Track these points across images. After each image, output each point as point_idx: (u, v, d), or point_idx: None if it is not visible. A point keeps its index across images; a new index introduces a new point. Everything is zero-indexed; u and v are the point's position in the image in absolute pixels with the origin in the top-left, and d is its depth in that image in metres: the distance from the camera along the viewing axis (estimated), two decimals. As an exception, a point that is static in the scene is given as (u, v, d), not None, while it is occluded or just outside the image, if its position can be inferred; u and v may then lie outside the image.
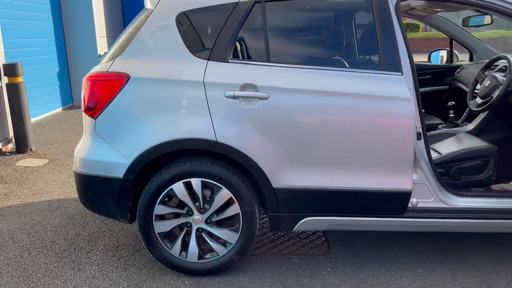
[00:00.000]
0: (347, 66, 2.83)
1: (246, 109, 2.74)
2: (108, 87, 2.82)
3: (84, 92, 2.90)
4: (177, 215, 2.93)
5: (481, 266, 3.10)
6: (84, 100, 2.89)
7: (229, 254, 2.94)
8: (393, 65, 2.74)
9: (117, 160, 2.84)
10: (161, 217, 2.92)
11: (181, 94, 2.79)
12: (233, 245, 2.93)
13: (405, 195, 2.81)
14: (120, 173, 2.83)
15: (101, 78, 2.84)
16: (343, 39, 3.12)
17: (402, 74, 2.74)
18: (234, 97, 2.73)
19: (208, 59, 2.79)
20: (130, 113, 2.82)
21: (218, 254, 2.96)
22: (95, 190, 2.95)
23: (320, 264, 3.15)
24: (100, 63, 3.01)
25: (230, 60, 2.78)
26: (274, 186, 2.80)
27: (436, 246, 3.37)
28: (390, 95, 2.72)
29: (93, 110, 2.86)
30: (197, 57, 2.80)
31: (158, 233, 2.92)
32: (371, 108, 2.72)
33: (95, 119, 2.86)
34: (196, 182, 2.82)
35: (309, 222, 2.88)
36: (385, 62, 2.74)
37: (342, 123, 2.73)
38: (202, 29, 2.82)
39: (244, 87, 2.74)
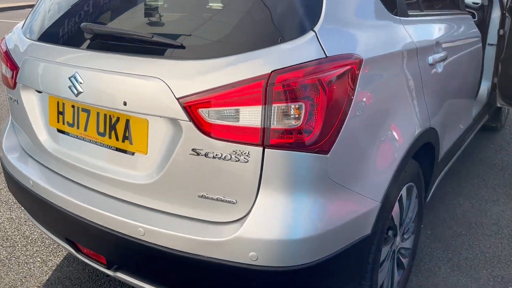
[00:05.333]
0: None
1: (438, 77, 2.12)
2: (341, 88, 1.45)
3: (282, 107, 1.36)
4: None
5: None
6: (290, 126, 1.37)
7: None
8: None
9: (364, 207, 1.60)
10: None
11: (402, 72, 1.80)
12: (410, 250, 2.36)
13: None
14: (369, 226, 1.64)
15: (319, 73, 1.40)
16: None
17: None
18: (432, 63, 2.04)
19: (399, 15, 1.90)
20: (371, 123, 1.60)
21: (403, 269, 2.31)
22: (338, 275, 1.59)
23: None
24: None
25: (409, 14, 2.00)
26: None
27: None
28: None
29: (319, 140, 1.41)
30: (393, 15, 1.85)
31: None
32: None
33: (328, 154, 1.44)
34: (403, 191, 2.02)
35: None
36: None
37: None
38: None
39: (434, 47, 2.08)
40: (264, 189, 1.45)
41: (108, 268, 1.84)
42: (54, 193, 1.86)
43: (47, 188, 1.90)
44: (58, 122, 1.92)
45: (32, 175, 2.00)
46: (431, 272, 2.52)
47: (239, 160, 1.44)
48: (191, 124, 1.48)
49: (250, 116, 1.40)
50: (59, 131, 1.94)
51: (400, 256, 2.22)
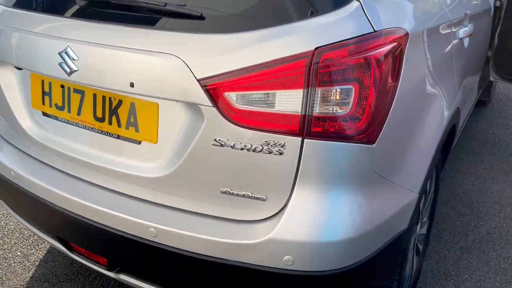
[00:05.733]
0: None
1: (464, 52, 1.96)
2: (390, 67, 1.25)
3: (338, 92, 1.16)
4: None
5: None
6: (337, 114, 1.17)
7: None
8: None
9: (404, 200, 1.45)
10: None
11: (439, 48, 1.63)
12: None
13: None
14: (406, 220, 1.49)
15: (368, 49, 1.20)
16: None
17: None
18: (462, 37, 1.88)
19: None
20: (414, 106, 1.42)
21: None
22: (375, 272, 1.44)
23: None
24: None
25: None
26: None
27: None
28: None
29: (367, 129, 1.23)
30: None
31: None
32: None
33: (374, 144, 1.26)
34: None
35: None
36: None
37: None
38: None
39: (464, 20, 1.91)
40: (301, 185, 1.26)
41: (110, 270, 1.63)
42: (43, 187, 1.62)
43: (33, 181, 1.65)
44: (43, 104, 1.65)
45: (14, 165, 1.73)
46: (440, 256, 2.43)
47: (271, 152, 1.24)
48: (214, 110, 1.26)
49: (288, 101, 1.20)
50: (45, 114, 1.67)
51: (417, 243, 2.11)
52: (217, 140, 1.28)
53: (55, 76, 1.50)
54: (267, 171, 1.28)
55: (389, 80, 1.25)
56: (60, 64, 1.46)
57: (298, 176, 1.26)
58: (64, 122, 1.61)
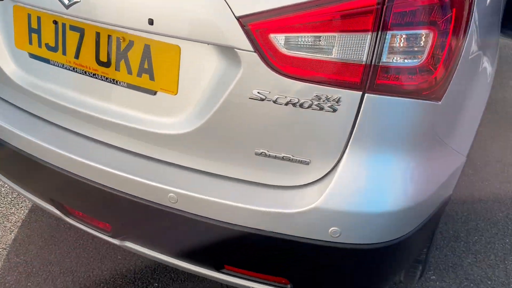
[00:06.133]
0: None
1: None
2: (466, 8, 1.05)
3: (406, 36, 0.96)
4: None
5: None
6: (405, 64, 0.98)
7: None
8: None
9: (455, 164, 1.30)
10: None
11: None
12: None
13: None
14: (452, 186, 1.34)
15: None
16: None
17: None
18: None
19: None
20: (476, 57, 1.24)
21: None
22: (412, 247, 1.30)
23: None
24: None
25: None
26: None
27: None
28: None
29: (438, 83, 1.04)
30: None
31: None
32: None
33: (440, 101, 1.08)
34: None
35: None
36: None
37: None
38: None
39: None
40: (353, 148, 1.08)
41: (114, 236, 1.44)
42: (33, 142, 1.38)
43: (20, 135, 1.40)
44: (30, 43, 1.38)
45: (-4, 117, 1.47)
46: (448, 218, 2.36)
47: (323, 108, 1.05)
48: (256, 56, 1.04)
49: (351, 46, 0.99)
50: (33, 56, 1.40)
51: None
52: (256, 92, 1.07)
53: (48, 9, 1.23)
54: (314, 131, 1.09)
55: (464, 25, 1.06)
56: (55, -6, 1.18)
57: (351, 138, 1.08)
58: (58, 66, 1.35)
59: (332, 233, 1.12)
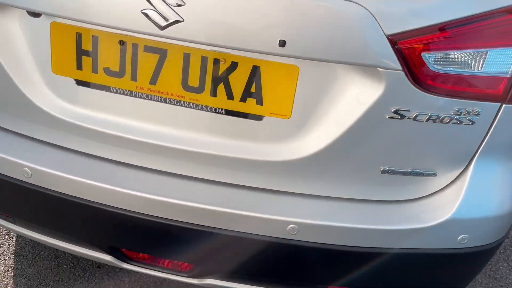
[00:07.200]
0: None
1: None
2: None
3: None
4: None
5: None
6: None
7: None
8: None
9: None
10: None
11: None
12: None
13: None
14: None
15: None
16: None
17: None
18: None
19: None
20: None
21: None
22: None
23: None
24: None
25: None
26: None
27: None
28: None
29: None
30: None
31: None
32: None
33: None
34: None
35: None
36: None
37: None
38: None
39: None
40: (482, 157, 1.11)
41: (193, 276, 1.29)
42: (91, 185, 1.16)
43: (72, 179, 1.16)
44: (79, 68, 1.13)
45: (27, 160, 1.19)
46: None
47: (461, 122, 1.04)
48: (402, 74, 0.99)
49: (499, 60, 0.99)
50: (81, 83, 1.15)
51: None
52: (396, 111, 1.02)
53: (139, 31, 1.01)
54: (449, 144, 1.08)
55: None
56: (143, 12, 0.97)
57: (481, 147, 1.10)
58: (122, 93, 1.13)
59: (460, 240, 1.14)
